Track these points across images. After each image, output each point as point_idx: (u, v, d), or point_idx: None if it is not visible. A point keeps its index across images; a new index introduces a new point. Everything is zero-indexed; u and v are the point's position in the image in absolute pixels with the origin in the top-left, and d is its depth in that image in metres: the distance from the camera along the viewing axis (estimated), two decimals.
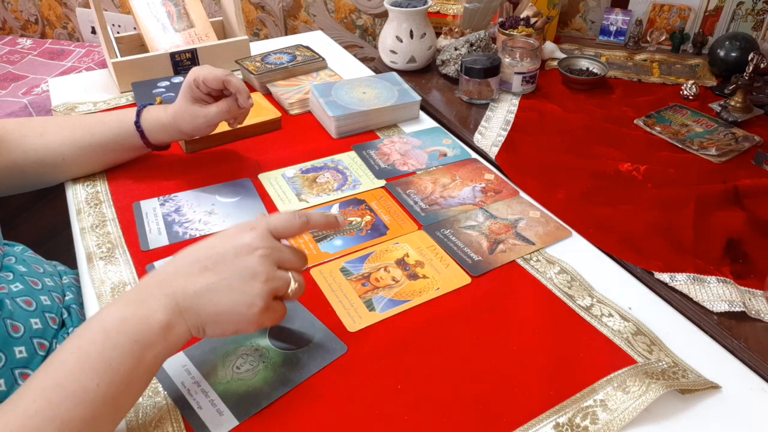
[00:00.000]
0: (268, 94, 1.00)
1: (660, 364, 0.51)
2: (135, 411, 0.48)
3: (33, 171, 0.72)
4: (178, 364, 0.52)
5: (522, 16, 1.16)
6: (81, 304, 0.64)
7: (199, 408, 0.48)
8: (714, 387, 0.50)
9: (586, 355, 0.53)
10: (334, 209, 0.72)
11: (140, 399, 0.49)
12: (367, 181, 0.78)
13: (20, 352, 0.53)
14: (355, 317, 0.57)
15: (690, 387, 0.49)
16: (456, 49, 1.10)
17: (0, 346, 0.51)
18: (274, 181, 0.78)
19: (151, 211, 0.71)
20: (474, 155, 0.84)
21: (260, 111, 0.91)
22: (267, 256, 0.46)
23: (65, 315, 0.61)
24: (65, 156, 0.73)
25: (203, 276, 0.45)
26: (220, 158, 0.83)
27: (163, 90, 0.96)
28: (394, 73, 0.99)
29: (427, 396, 0.49)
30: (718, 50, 1.08)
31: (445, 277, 0.62)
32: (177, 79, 1.00)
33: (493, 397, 0.49)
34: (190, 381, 0.50)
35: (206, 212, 0.71)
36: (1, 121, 0.72)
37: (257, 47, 1.17)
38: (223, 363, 0.52)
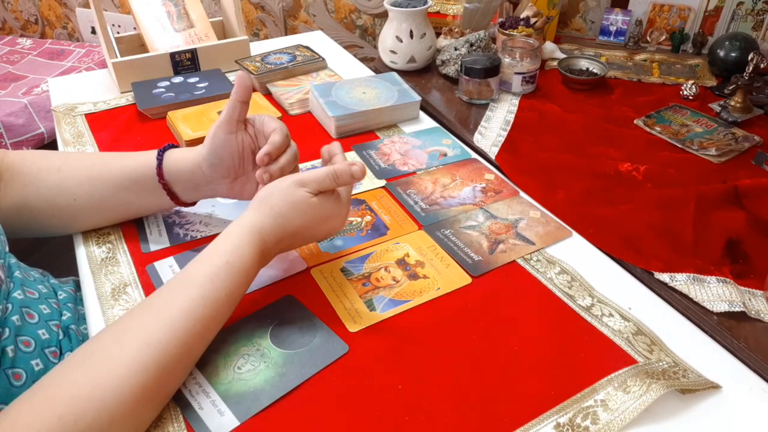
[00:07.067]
0: (268, 95, 1.00)
1: (660, 363, 0.51)
2: None
3: (43, 211, 0.64)
4: None
5: (522, 16, 1.16)
6: (78, 319, 0.62)
7: (200, 408, 0.48)
8: (714, 387, 0.50)
9: (586, 355, 0.53)
10: None
11: None
12: (367, 181, 0.78)
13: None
14: (355, 317, 0.57)
15: (690, 387, 0.49)
16: (456, 49, 1.10)
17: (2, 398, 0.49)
18: None
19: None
20: (474, 155, 0.84)
21: (260, 111, 0.90)
22: (345, 216, 0.60)
23: (62, 337, 0.58)
24: (77, 196, 0.64)
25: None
26: None
27: (163, 90, 0.96)
28: (394, 73, 0.99)
29: (428, 396, 0.50)
30: (718, 50, 1.08)
31: (445, 277, 0.62)
32: (177, 79, 1.00)
33: (494, 396, 0.49)
34: (191, 381, 0.50)
35: (207, 214, 0.71)
36: (22, 153, 0.65)
37: (257, 47, 1.17)
38: (225, 363, 0.52)
